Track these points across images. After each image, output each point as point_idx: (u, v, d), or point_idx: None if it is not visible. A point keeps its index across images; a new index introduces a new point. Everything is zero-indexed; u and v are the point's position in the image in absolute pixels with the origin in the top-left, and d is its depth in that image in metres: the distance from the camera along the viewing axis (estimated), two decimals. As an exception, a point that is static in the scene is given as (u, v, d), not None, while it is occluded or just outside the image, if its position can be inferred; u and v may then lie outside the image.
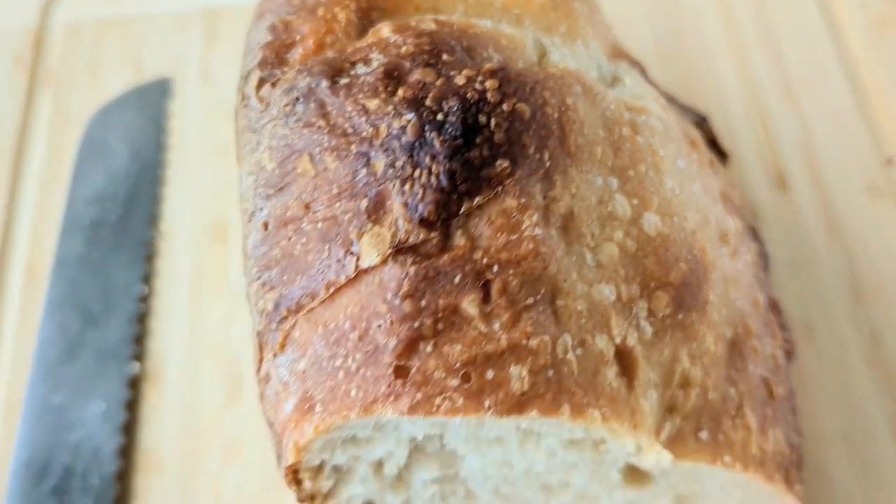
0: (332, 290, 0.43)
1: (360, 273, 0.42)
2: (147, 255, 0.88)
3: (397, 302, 0.42)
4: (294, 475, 0.46)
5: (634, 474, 0.54)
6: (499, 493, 0.54)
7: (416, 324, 0.41)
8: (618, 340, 0.45)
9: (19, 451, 0.79)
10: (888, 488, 0.73)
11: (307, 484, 0.47)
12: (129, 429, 0.81)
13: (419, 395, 0.40)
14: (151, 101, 0.96)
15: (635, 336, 0.45)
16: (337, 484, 0.49)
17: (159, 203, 0.92)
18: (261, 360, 0.46)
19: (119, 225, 0.89)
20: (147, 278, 0.87)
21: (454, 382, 0.41)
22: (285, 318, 0.44)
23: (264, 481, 0.78)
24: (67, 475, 0.78)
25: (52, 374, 0.82)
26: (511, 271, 0.42)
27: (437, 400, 0.40)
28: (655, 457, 0.44)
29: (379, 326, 0.42)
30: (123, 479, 0.79)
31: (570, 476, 0.51)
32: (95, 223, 0.89)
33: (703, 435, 0.47)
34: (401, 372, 0.41)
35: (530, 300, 0.42)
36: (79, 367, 0.82)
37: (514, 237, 0.42)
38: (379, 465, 0.49)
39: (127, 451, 0.80)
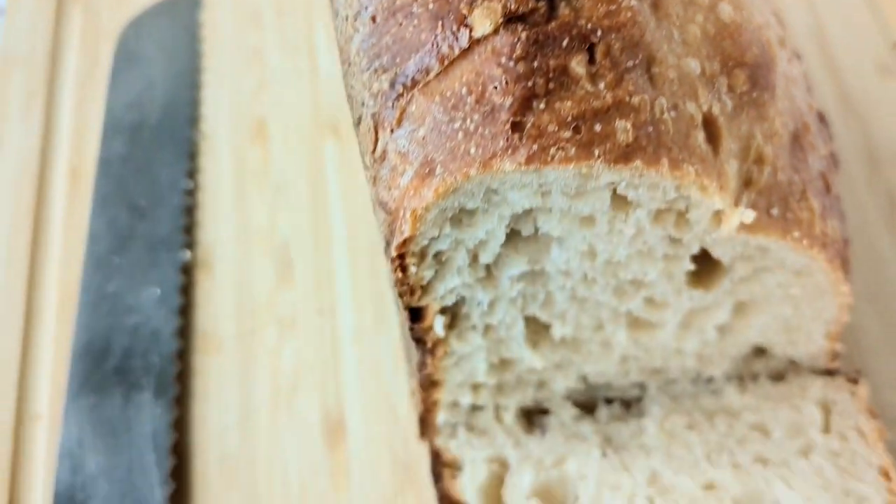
0: (446, 62, 0.46)
1: (474, 43, 0.46)
2: (190, 153, 0.91)
3: (511, 64, 0.45)
4: (401, 260, 0.49)
5: (700, 276, 0.58)
6: (575, 297, 0.57)
7: (530, 83, 0.45)
8: (704, 109, 0.48)
9: (78, 336, 0.81)
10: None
11: (412, 270, 0.50)
12: (185, 312, 0.83)
13: (535, 147, 0.44)
14: (182, 12, 0.98)
15: (718, 107, 0.49)
16: (436, 276, 0.52)
17: (198, 106, 0.94)
18: (375, 142, 0.48)
19: (159, 127, 0.92)
20: (191, 174, 0.90)
21: (566, 134, 0.44)
22: (401, 94, 0.47)
23: (321, 354, 0.81)
24: (127, 356, 0.80)
25: (106, 265, 0.84)
26: (613, 36, 0.46)
27: (552, 150, 0.44)
28: (739, 217, 0.48)
29: (495, 88, 0.45)
30: (183, 357, 0.81)
31: (644, 270, 0.54)
32: (136, 126, 0.92)
33: (774, 211, 0.51)
34: (517, 127, 0.44)
35: (630, 63, 0.46)
36: (131, 257, 0.84)
37: (613, 7, 0.46)
38: (475, 256, 0.52)
39: (184, 333, 0.82)
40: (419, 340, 0.56)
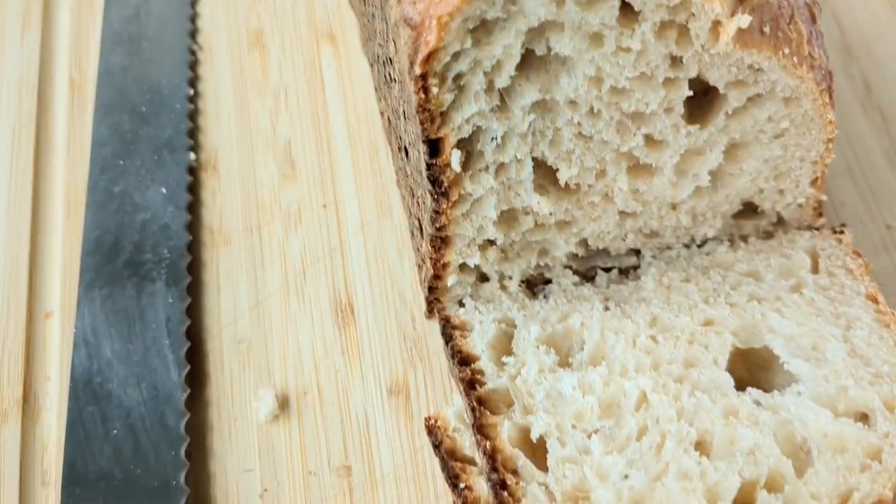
0: None
1: None
2: (189, 63, 0.93)
3: None
4: (423, 81, 0.53)
5: (697, 112, 0.61)
6: (581, 135, 0.61)
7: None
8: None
9: (88, 234, 0.83)
10: (891, 209, 0.83)
11: (433, 91, 0.53)
12: (193, 209, 0.86)
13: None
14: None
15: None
16: (454, 103, 0.55)
17: (195, 19, 0.96)
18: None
19: (158, 39, 0.94)
20: (192, 82, 0.92)
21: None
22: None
23: (328, 244, 0.84)
24: (138, 250, 0.82)
25: (112, 167, 0.86)
26: None
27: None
28: (736, 23, 0.52)
29: None
30: (193, 250, 0.83)
31: (646, 98, 0.58)
32: (134, 38, 0.94)
33: (766, 29, 0.55)
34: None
35: None
36: (136, 159, 0.87)
37: None
38: (491, 83, 0.56)
39: (192, 228, 0.84)
40: (435, 181, 0.59)
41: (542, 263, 0.74)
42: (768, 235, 0.73)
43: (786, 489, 0.54)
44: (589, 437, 0.59)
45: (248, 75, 0.93)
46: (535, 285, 0.76)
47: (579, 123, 0.59)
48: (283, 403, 0.77)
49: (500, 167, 0.62)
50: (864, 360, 0.59)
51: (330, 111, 0.90)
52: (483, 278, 0.74)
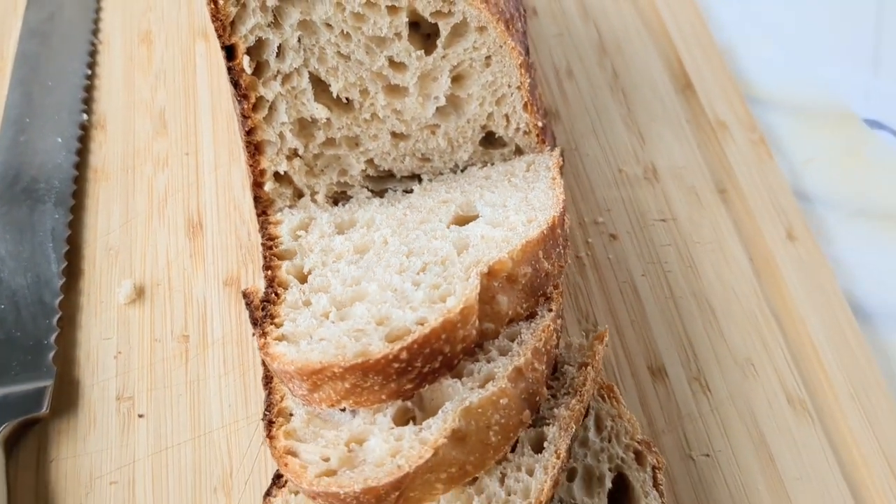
0: None
1: None
2: (89, 52, 1.17)
3: None
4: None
5: (421, 43, 0.86)
6: (340, 53, 0.84)
7: None
8: None
9: (-4, 170, 1.05)
10: (625, 159, 1.08)
11: (220, 2, 0.77)
12: (81, 154, 1.08)
13: None
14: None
15: None
16: (238, 16, 0.79)
17: (98, 22, 1.21)
18: None
19: (66, 35, 1.18)
20: (91, 66, 1.16)
21: None
22: None
23: (187, 180, 1.07)
24: (34, 181, 1.04)
25: (19, 123, 1.09)
26: None
27: None
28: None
29: None
30: (79, 184, 1.06)
31: (378, 23, 0.82)
32: (47, 33, 1.18)
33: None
34: None
35: None
36: (40, 118, 1.09)
37: None
38: (264, 2, 0.79)
39: (80, 167, 1.07)
40: (236, 84, 0.83)
41: (342, 181, 0.97)
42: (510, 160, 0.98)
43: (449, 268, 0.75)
44: (338, 260, 0.82)
45: (136, 62, 1.18)
46: (338, 201, 0.99)
47: (337, 43, 0.84)
48: (140, 292, 0.98)
49: (285, 77, 0.86)
50: (531, 205, 0.82)
51: (198, 87, 1.14)
52: (298, 194, 0.97)
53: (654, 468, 0.76)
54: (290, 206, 0.96)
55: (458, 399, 0.65)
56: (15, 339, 0.91)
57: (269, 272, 0.83)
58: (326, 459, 0.64)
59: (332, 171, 0.96)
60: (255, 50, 0.83)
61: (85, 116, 1.11)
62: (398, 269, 0.76)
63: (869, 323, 0.99)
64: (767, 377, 0.92)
